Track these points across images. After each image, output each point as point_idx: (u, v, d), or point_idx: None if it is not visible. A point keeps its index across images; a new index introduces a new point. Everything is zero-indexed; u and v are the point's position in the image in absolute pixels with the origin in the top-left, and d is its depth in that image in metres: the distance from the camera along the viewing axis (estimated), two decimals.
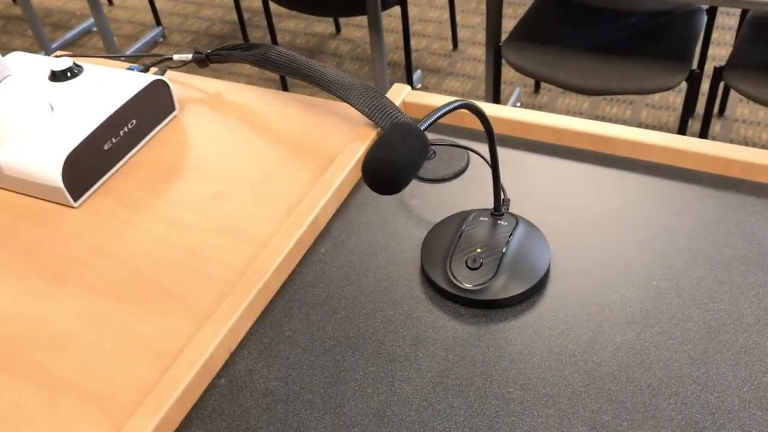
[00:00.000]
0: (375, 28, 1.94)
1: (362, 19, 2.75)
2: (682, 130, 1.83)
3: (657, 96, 2.27)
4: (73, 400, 0.52)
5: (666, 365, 0.50)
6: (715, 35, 2.48)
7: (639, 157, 0.66)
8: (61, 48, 2.86)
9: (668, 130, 2.16)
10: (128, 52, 2.74)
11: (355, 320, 0.55)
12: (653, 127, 2.17)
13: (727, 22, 2.55)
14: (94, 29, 2.95)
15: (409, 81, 2.28)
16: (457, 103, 0.43)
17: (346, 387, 0.51)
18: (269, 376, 0.52)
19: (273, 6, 2.16)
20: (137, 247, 0.64)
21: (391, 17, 2.76)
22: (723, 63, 1.65)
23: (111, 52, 2.63)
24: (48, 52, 2.65)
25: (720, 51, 2.42)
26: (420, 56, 2.57)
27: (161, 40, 2.83)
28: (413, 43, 2.62)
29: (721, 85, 1.67)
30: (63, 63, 0.74)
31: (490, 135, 0.49)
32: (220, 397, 0.51)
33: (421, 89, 2.40)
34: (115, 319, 0.57)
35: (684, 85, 1.66)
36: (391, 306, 0.56)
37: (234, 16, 2.91)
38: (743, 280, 0.55)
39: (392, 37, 2.67)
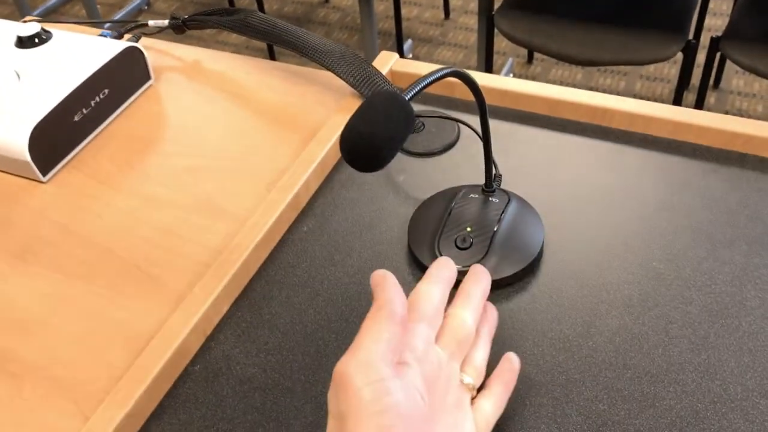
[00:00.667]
0: None
1: None
2: (677, 102, 1.80)
3: (651, 67, 2.23)
4: (39, 388, 0.49)
5: (665, 351, 0.47)
6: (711, 5, 2.43)
7: (637, 129, 0.62)
8: (43, 15, 2.78)
9: (663, 102, 2.13)
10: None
11: (339, 303, 0.52)
12: (648, 99, 2.14)
13: None
14: None
15: (400, 50, 2.23)
16: (446, 71, 0.40)
17: (328, 374, 0.48)
18: (247, 362, 0.49)
19: None
20: (109, 224, 0.60)
21: None
22: (720, 33, 1.62)
23: (93, 19, 2.56)
24: None
25: (716, 21, 2.38)
26: (411, 25, 2.52)
27: (146, 8, 2.76)
28: (404, 11, 2.57)
29: (717, 56, 1.64)
30: (30, 28, 0.70)
31: (481, 106, 0.46)
32: (195, 385, 0.48)
33: (412, 59, 2.35)
34: (84, 301, 0.54)
35: (680, 56, 1.62)
36: None
37: None
38: (746, 260, 0.52)
39: (382, 6, 2.62)
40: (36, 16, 2.71)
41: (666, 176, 0.59)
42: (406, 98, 0.37)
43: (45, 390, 0.49)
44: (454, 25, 2.50)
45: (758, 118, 2.03)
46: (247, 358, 0.49)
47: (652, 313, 0.49)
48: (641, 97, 2.14)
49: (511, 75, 2.25)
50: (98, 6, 2.72)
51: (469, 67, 2.31)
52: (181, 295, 0.54)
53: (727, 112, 2.07)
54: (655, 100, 2.12)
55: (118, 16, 2.70)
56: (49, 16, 2.78)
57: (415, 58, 2.36)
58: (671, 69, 2.23)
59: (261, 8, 2.28)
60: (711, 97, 2.12)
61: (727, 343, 0.47)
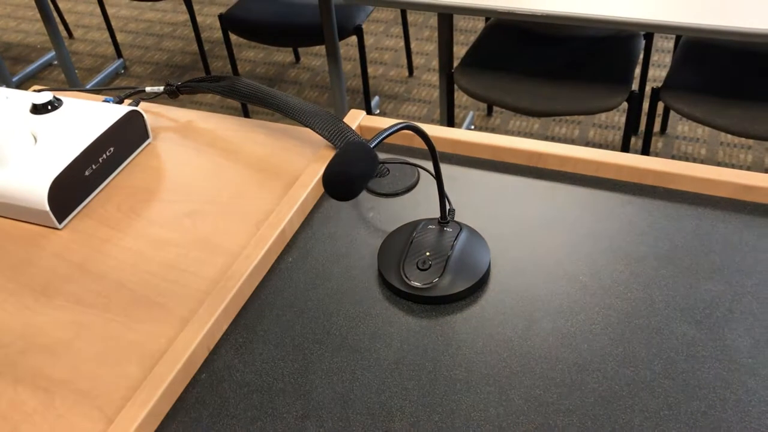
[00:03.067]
0: (333, 57, 2.03)
1: (320, 48, 2.84)
2: (625, 147, 1.94)
3: (603, 116, 2.40)
4: (68, 399, 0.58)
5: (590, 346, 0.58)
6: (654, 57, 2.63)
7: (567, 169, 0.74)
8: (22, 81, 2.88)
9: (614, 148, 2.28)
10: (90, 85, 2.79)
11: (321, 319, 0.62)
12: (600, 146, 2.29)
13: (666, 45, 2.71)
14: (55, 62, 2.99)
15: (368, 107, 2.37)
16: (402, 125, 0.51)
17: (314, 376, 0.57)
18: (245, 370, 0.59)
19: (233, 37, 2.24)
20: (119, 262, 0.70)
21: (348, 46, 2.86)
22: (661, 84, 1.77)
23: (73, 84, 2.67)
24: (9, 86, 2.67)
25: (660, 72, 2.56)
26: (377, 83, 2.67)
27: (123, 71, 2.88)
28: (370, 70, 2.72)
29: (660, 104, 1.79)
30: (43, 97, 0.81)
31: (432, 152, 0.57)
32: (202, 390, 0.57)
33: (379, 114, 2.49)
34: (102, 327, 0.64)
35: (626, 105, 1.77)
36: (352, 305, 0.63)
37: (194, 47, 2.97)
38: (655, 272, 0.63)
39: (350, 65, 2.77)
40: (16, 81, 2.80)
41: (591, 207, 0.70)
42: (371, 146, 0.48)
43: (72, 400, 0.58)
44: (418, 82, 2.65)
45: (702, 160, 2.19)
46: (245, 367, 0.59)
47: (579, 317, 0.60)
48: (594, 144, 2.29)
49: (473, 127, 2.40)
50: (76, 71, 2.84)
51: (433, 121, 2.45)
52: (185, 319, 0.64)
53: (673, 156, 2.23)
54: (607, 146, 2.27)
55: (96, 80, 2.81)
56: (30, 81, 2.88)
57: (382, 113, 2.50)
58: (621, 117, 2.40)
59: (235, 70, 2.41)
60: (658, 142, 2.29)
61: (639, 338, 0.58)
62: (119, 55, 2.94)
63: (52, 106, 0.80)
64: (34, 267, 0.70)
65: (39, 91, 0.87)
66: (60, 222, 0.74)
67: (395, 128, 0.51)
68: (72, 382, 0.59)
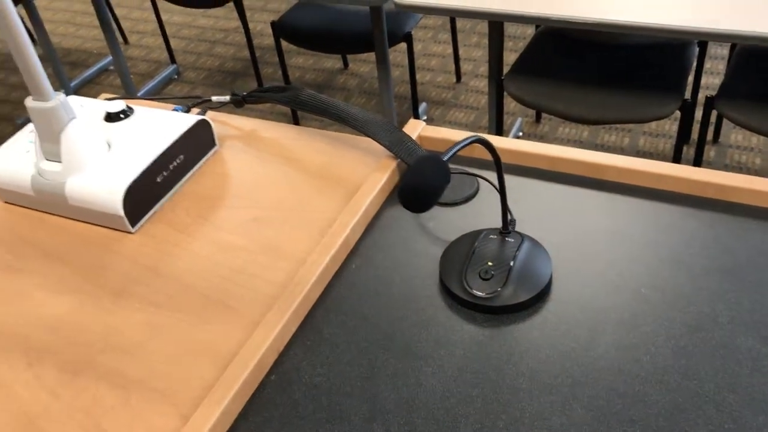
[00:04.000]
0: (383, 64, 2.05)
1: (368, 55, 2.87)
2: (677, 156, 1.92)
3: (654, 124, 2.37)
4: (144, 396, 0.61)
5: (652, 358, 0.58)
6: (708, 65, 2.59)
7: (626, 181, 0.75)
8: (80, 86, 2.98)
9: (664, 157, 2.26)
10: (144, 90, 2.86)
11: (384, 325, 0.64)
12: (650, 154, 2.27)
13: (720, 52, 2.66)
14: (111, 68, 3.08)
15: (415, 113, 2.39)
16: (472, 138, 0.53)
17: (379, 381, 0.59)
18: (313, 372, 0.61)
19: (284, 43, 2.28)
20: (189, 266, 0.73)
21: (396, 52, 2.88)
22: (715, 92, 1.75)
23: (128, 89, 2.75)
24: (68, 90, 2.77)
25: (713, 80, 2.53)
26: (425, 89, 2.68)
27: (176, 77, 2.95)
28: (418, 76, 2.74)
29: (714, 113, 1.77)
30: (117, 105, 0.84)
31: (498, 164, 0.59)
32: (272, 391, 0.60)
33: (426, 120, 2.50)
34: (175, 328, 0.66)
35: (678, 113, 1.75)
36: (414, 313, 0.65)
37: (245, 53, 3.03)
38: (719, 286, 0.63)
39: (397, 71, 2.79)
40: (75, 86, 2.89)
41: (651, 219, 0.71)
42: (444, 159, 0.50)
43: (148, 398, 0.61)
44: (466, 88, 2.66)
45: (756, 170, 2.15)
46: (313, 369, 0.61)
47: (641, 329, 0.61)
48: (644, 152, 2.27)
49: (521, 134, 2.40)
50: (131, 76, 2.92)
51: (480, 128, 2.46)
52: (254, 322, 0.66)
53: (726, 166, 2.19)
54: (657, 155, 2.25)
55: (150, 85, 2.89)
56: (87, 85, 2.98)
57: (430, 119, 2.52)
58: (672, 126, 2.37)
59: (285, 76, 2.46)
60: (711, 151, 2.25)
61: (703, 351, 0.58)
62: (173, 60, 3.02)
63: (125, 114, 0.84)
64: (109, 269, 0.74)
65: (110, 99, 0.91)
66: (133, 226, 0.77)
67: (467, 142, 0.52)
68: (147, 381, 0.62)
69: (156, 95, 2.85)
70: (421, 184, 0.49)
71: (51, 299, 0.71)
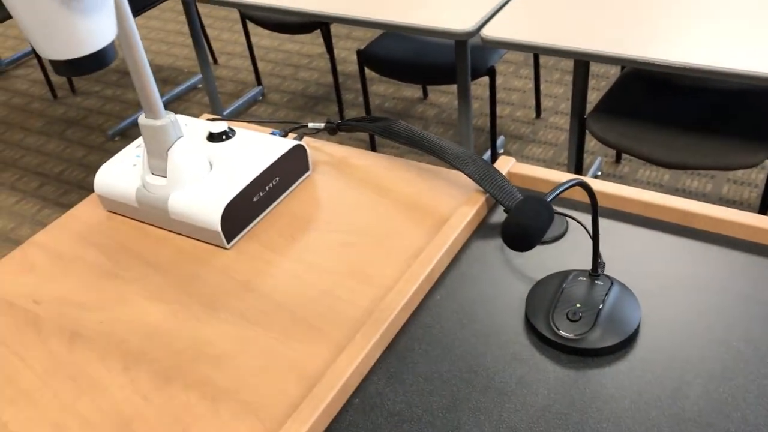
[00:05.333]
0: (464, 97, 2.07)
1: (448, 86, 2.89)
2: (763, 206, 1.86)
3: (739, 171, 2.31)
4: (231, 408, 0.63)
5: (743, 415, 0.57)
6: None
7: (719, 231, 0.74)
8: (168, 102, 3.11)
9: (749, 206, 2.19)
10: (230, 109, 2.97)
11: (468, 358, 0.65)
12: (734, 202, 2.21)
13: None
14: (200, 86, 3.21)
15: (493, 147, 2.39)
16: (574, 182, 0.53)
17: (461, 414, 0.60)
18: (396, 399, 0.62)
19: (366, 71, 2.33)
20: (280, 284, 0.75)
21: (476, 84, 2.90)
22: None
23: (215, 108, 2.85)
24: None
25: None
26: (503, 122, 2.69)
27: (261, 98, 3.05)
28: (497, 109, 2.74)
29: None
30: (220, 126, 0.88)
31: (594, 208, 0.59)
32: (355, 414, 0.61)
33: (503, 154, 2.50)
34: (264, 343, 0.69)
35: (767, 162, 1.70)
36: (498, 348, 0.65)
37: (328, 78, 3.11)
38: None
39: (477, 104, 2.81)
40: (164, 101, 3.01)
41: (744, 271, 0.69)
42: (548, 200, 0.51)
43: (236, 410, 0.63)
44: (545, 124, 2.65)
45: None
46: (395, 396, 0.62)
47: (731, 383, 0.59)
48: (728, 200, 2.21)
49: (600, 173, 2.37)
50: (219, 95, 3.03)
51: (558, 164, 2.44)
52: (338, 343, 0.68)
53: None
54: (742, 204, 2.18)
55: (235, 105, 2.99)
56: (175, 101, 3.11)
57: (507, 153, 2.52)
58: (759, 174, 2.30)
59: (367, 103, 2.50)
60: None
61: None
62: (258, 82, 3.12)
63: (227, 135, 0.88)
64: (203, 282, 0.77)
65: (212, 119, 0.95)
66: (228, 242, 0.80)
67: (569, 184, 0.53)
68: (236, 393, 0.65)
69: (241, 115, 2.95)
70: (526, 225, 0.50)
71: (149, 306, 0.74)
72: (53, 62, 0.60)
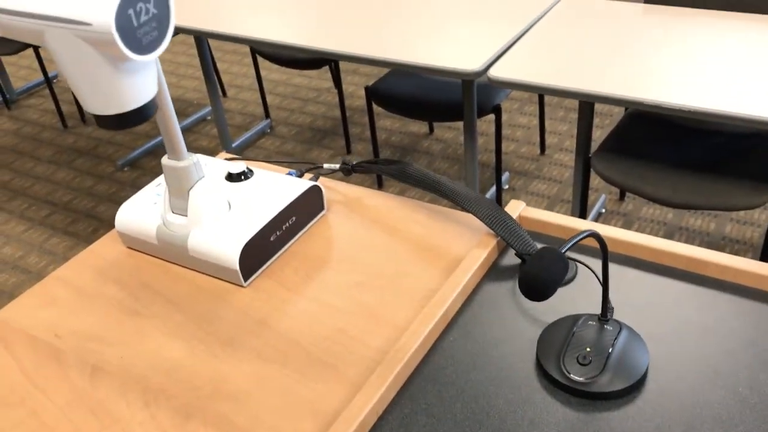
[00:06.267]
0: (470, 134, 2.11)
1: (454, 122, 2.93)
2: (766, 247, 1.88)
3: (743, 212, 2.33)
4: None
5: None
6: None
7: (726, 278, 0.76)
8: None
9: (752, 246, 2.21)
10: (238, 141, 3.00)
11: (480, 400, 0.66)
12: (737, 242, 2.23)
13: None
14: (209, 118, 3.25)
15: (498, 183, 2.42)
16: (588, 233, 0.56)
17: None
18: None
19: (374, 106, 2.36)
20: (295, 322, 0.77)
21: (482, 121, 2.94)
22: None
23: (224, 140, 2.89)
24: None
25: None
26: (508, 159, 2.72)
27: (269, 131, 3.09)
28: (502, 146, 2.78)
29: None
30: (238, 167, 0.91)
31: (604, 255, 0.61)
32: None
33: (508, 190, 2.53)
34: (280, 380, 0.70)
35: None
36: (510, 390, 0.67)
37: (335, 112, 3.15)
38: None
39: (482, 140, 2.84)
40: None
41: (752, 319, 0.71)
42: (562, 251, 0.53)
43: None
44: (549, 161, 2.68)
45: None
46: None
47: (738, 429, 0.61)
48: (731, 239, 2.23)
49: (603, 210, 2.39)
50: (228, 127, 3.07)
51: (562, 200, 2.47)
52: (352, 383, 0.69)
53: None
54: (745, 243, 2.20)
55: (244, 137, 3.03)
56: (185, 134, 3.15)
57: (512, 189, 2.55)
58: (761, 214, 2.32)
59: (374, 138, 2.54)
60: None
61: None
62: (267, 115, 3.16)
63: (245, 176, 0.91)
64: (221, 319, 0.79)
65: (229, 159, 0.98)
66: (246, 281, 0.82)
67: (583, 236, 0.55)
68: (252, 430, 0.66)
69: (249, 147, 2.99)
70: (543, 278, 0.53)
71: (168, 343, 0.76)
72: (98, 117, 0.63)
